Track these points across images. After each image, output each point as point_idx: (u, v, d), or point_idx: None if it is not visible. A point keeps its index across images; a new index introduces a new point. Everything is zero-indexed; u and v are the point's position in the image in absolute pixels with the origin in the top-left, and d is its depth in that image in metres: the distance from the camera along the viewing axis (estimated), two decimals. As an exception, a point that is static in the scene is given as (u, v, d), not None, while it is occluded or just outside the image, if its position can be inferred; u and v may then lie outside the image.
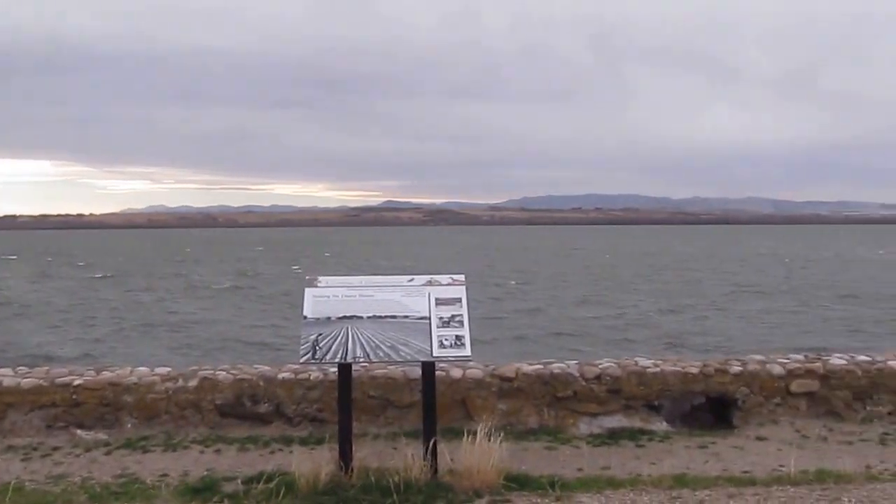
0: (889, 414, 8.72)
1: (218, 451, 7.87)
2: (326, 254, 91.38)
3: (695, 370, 8.63)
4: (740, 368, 8.67)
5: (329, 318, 6.92)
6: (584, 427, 8.42)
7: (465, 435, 6.81)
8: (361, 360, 6.84)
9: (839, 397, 8.69)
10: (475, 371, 8.54)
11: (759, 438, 8.21)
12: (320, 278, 7.29)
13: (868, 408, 8.72)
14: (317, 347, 6.77)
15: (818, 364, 8.78)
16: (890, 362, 8.91)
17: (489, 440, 6.69)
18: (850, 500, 6.31)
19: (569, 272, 62.38)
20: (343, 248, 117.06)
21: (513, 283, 50.94)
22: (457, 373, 8.48)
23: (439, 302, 7.01)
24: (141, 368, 8.95)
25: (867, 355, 9.21)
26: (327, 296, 7.09)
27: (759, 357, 9.09)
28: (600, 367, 8.67)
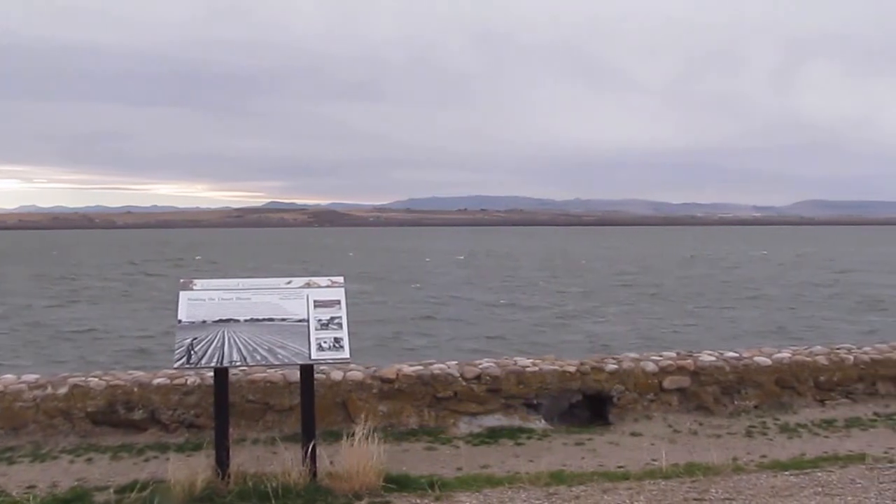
0: (755, 407, 9.10)
1: (90, 460, 7.62)
2: (198, 257, 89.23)
3: (572, 369, 8.82)
4: (615, 366, 8.90)
5: (205, 322, 6.78)
6: (465, 426, 8.49)
7: (345, 437, 6.79)
8: (238, 364, 6.73)
9: (709, 392, 9.01)
10: (356, 373, 8.51)
11: (634, 434, 8.45)
12: (195, 281, 7.14)
13: (736, 402, 9.08)
14: (192, 352, 6.63)
15: (689, 361, 9.09)
16: (756, 358, 9.30)
17: (369, 442, 6.68)
18: (717, 492, 6.55)
19: (456, 271, 62.71)
20: (226, 249, 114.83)
21: (415, 285, 50.74)
22: (337, 375, 8.43)
23: (318, 304, 6.96)
24: (7, 376, 8.60)
25: (735, 352, 9.60)
26: (203, 299, 6.93)
27: (633, 355, 9.37)
28: (480, 367, 8.77)
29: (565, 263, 73.81)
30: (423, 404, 8.55)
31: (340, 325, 6.86)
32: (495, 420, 8.57)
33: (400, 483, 6.63)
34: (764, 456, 7.70)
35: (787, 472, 7.03)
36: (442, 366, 8.79)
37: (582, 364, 8.91)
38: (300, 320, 6.85)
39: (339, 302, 6.99)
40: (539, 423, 8.63)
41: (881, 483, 6.65)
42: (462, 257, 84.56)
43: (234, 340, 6.68)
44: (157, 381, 8.37)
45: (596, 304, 37.41)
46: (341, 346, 6.76)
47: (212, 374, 7.17)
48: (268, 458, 7.23)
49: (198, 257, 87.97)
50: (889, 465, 7.25)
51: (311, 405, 6.91)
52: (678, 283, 50.67)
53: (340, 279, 7.23)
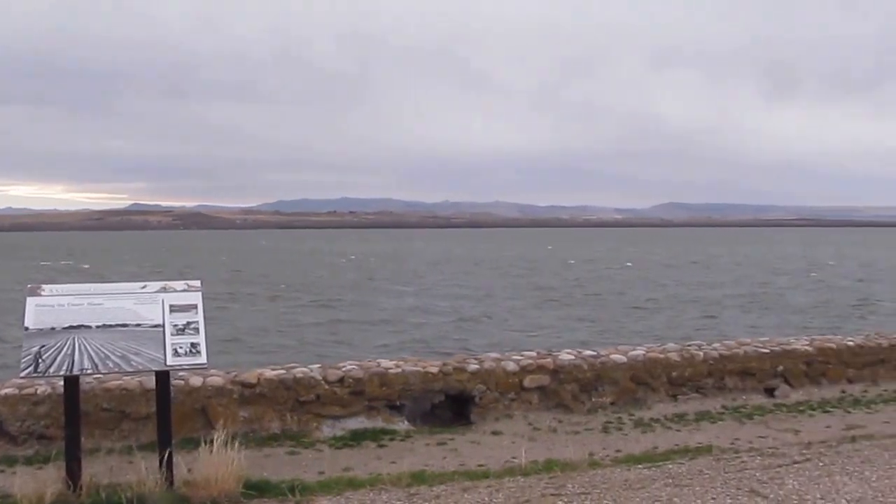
0: (612, 404, 9.40)
1: (-71, 476, 7.22)
2: (42, 262, 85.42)
3: (435, 369, 8.89)
4: (477, 366, 9.03)
5: (53, 329, 6.52)
6: (328, 430, 8.45)
7: (203, 444, 6.65)
8: (89, 371, 6.50)
9: (568, 390, 9.25)
10: (216, 378, 8.35)
11: (495, 433, 8.59)
12: (44, 286, 6.86)
13: (593, 399, 9.36)
14: (39, 360, 6.36)
15: (549, 360, 9.31)
16: (612, 356, 9.61)
17: (228, 448, 6.56)
18: (573, 487, 6.71)
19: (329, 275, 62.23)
20: (86, 252, 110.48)
21: (283, 288, 49.96)
22: (196, 381, 8.25)
23: (174, 309, 6.79)
24: None
25: (592, 350, 9.90)
26: (52, 304, 6.66)
27: (494, 355, 9.53)
28: (343, 369, 8.75)
29: (455, 265, 74.31)
30: (286, 408, 8.46)
31: (197, 329, 6.71)
32: (358, 422, 8.57)
33: (260, 489, 6.54)
34: (619, 450, 7.96)
35: (640, 466, 7.26)
36: (305, 369, 8.73)
37: (444, 364, 9.00)
38: (155, 326, 6.67)
39: (195, 306, 6.84)
40: (402, 425, 8.67)
41: (726, 473, 6.94)
42: (346, 259, 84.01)
43: (86, 347, 6.44)
44: (4, 391, 7.99)
45: (503, 305, 37.79)
46: (198, 352, 6.62)
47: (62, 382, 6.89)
48: (123, 468, 7.01)
49: (42, 262, 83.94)
50: (734, 455, 7.58)
51: (167, 412, 6.74)
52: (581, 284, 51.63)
53: (197, 283, 7.09)
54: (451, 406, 9.01)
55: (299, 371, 8.64)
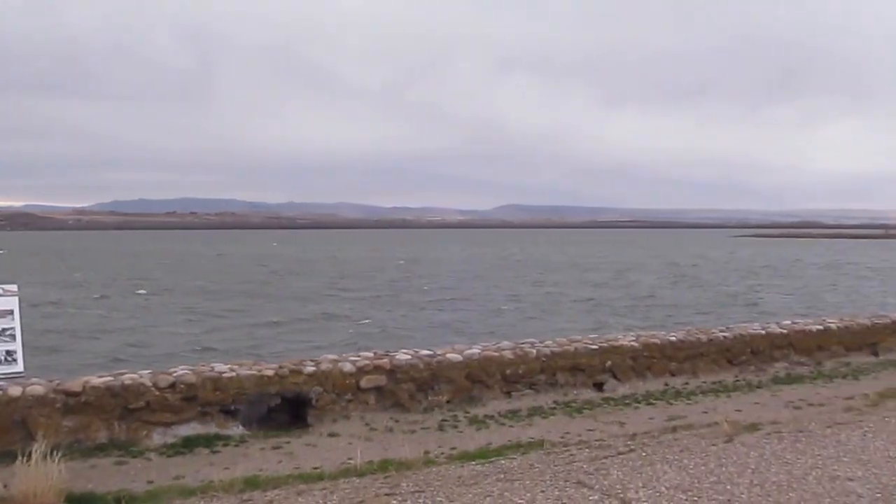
0: (448, 402, 9.53)
1: None
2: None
3: (270, 372, 8.79)
4: (314, 368, 8.97)
5: None
6: (159, 437, 8.21)
7: (21, 458, 6.32)
8: None
9: (404, 390, 9.32)
10: (37, 387, 7.93)
11: (332, 434, 8.57)
12: None
13: (430, 397, 9.47)
14: None
15: (385, 360, 9.35)
16: (448, 355, 9.75)
17: (48, 460, 6.26)
18: (408, 485, 6.76)
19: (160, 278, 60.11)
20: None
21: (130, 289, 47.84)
22: (15, 391, 7.81)
23: (-13, 315, 6.45)
24: None
25: (429, 349, 10.00)
26: None
27: (332, 356, 9.49)
28: (175, 374, 8.51)
29: (308, 266, 73.17)
30: (114, 417, 8.15)
31: (14, 336, 6.40)
32: (191, 429, 8.36)
33: (83, 502, 6.31)
34: (454, 448, 8.09)
35: (473, 462, 7.40)
36: (134, 376, 8.44)
37: (280, 367, 8.90)
38: (-35, 333, 6.32)
39: (11, 312, 6.51)
40: (237, 430, 8.52)
41: (555, 466, 7.16)
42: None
43: None
44: None
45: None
46: (14, 360, 6.32)
47: None
48: (-69, 487, 6.59)
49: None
50: (564, 448, 7.83)
51: (-19, 425, 6.38)
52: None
53: (14, 287, 6.75)
54: (288, 409, 8.92)
55: (128, 378, 8.35)
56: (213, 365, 8.94)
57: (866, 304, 34.88)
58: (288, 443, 8.25)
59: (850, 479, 6.34)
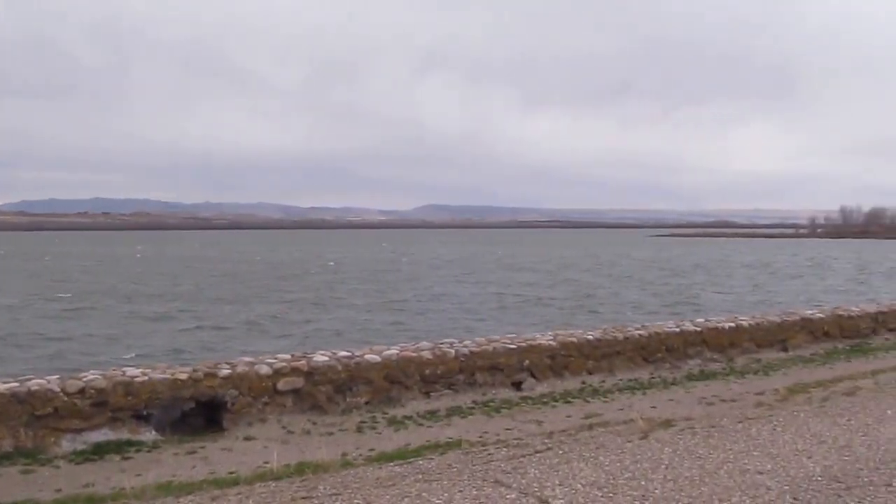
0: (366, 403, 9.48)
1: None
2: None
3: (184, 376, 8.62)
4: (229, 371, 8.83)
5: None
6: (68, 444, 7.97)
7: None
8: None
9: (322, 392, 9.24)
10: (-64, 395, 7.67)
11: (248, 438, 8.43)
12: None
13: (348, 399, 9.40)
14: None
15: (303, 362, 9.26)
16: (367, 356, 9.69)
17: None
18: (325, 488, 6.69)
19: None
20: None
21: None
22: (-87, 399, 7.54)
23: None
24: None
25: (347, 351, 9.93)
26: None
27: (248, 359, 9.35)
28: (84, 379, 8.28)
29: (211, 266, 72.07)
30: (19, 424, 7.89)
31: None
32: (102, 435, 8.14)
33: (-15, 513, 6.09)
34: (372, 449, 8.03)
35: (392, 464, 7.36)
36: (41, 381, 8.18)
37: (195, 371, 8.74)
38: None
39: None
40: (150, 435, 8.33)
41: (474, 465, 7.16)
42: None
43: None
44: None
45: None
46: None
47: None
48: None
49: None
50: (482, 448, 7.84)
51: None
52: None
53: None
54: (203, 413, 8.76)
55: (34, 383, 8.09)
56: (124, 369, 8.73)
57: (806, 300, 36.43)
58: (203, 447, 8.09)
59: (760, 473, 6.49)
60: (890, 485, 6.18)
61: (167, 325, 30.47)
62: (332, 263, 78.55)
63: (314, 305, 38.10)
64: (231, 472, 7.28)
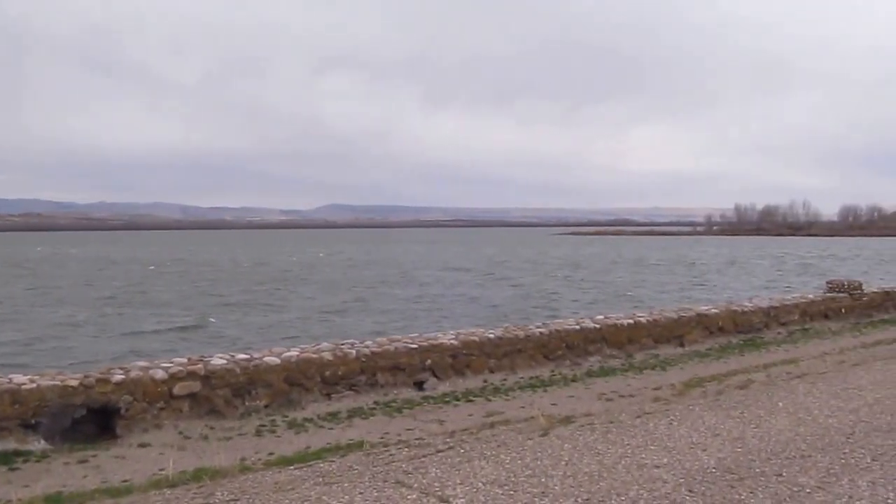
0: (266, 406, 9.32)
1: None
2: None
3: (75, 382, 8.33)
4: (123, 376, 8.57)
5: None
6: (-51, 457, 7.62)
7: None
8: None
9: (220, 396, 9.05)
10: None
11: (143, 445, 8.21)
12: None
13: (247, 402, 9.24)
14: None
15: (200, 366, 9.05)
16: (266, 358, 9.54)
17: None
18: (223, 494, 6.55)
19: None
20: None
21: None
22: None
23: None
24: None
25: (246, 353, 9.76)
26: None
27: (142, 363, 9.10)
28: (-33, 388, 7.93)
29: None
30: None
31: None
32: (-14, 445, 7.81)
33: None
34: (272, 453, 7.91)
35: (291, 467, 7.25)
36: (-82, 391, 7.80)
37: (86, 377, 8.46)
38: None
39: None
40: (38, 444, 8.02)
41: (375, 467, 7.12)
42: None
43: None
44: None
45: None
46: None
47: None
48: None
49: None
50: (384, 448, 7.81)
51: None
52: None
53: None
54: (96, 420, 8.47)
55: (-89, 393, 7.71)
56: (10, 376, 8.38)
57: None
58: (95, 456, 7.83)
59: (657, 466, 6.63)
60: (780, 475, 6.39)
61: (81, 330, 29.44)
62: (247, 265, 77.28)
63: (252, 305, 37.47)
64: (124, 481, 7.05)
